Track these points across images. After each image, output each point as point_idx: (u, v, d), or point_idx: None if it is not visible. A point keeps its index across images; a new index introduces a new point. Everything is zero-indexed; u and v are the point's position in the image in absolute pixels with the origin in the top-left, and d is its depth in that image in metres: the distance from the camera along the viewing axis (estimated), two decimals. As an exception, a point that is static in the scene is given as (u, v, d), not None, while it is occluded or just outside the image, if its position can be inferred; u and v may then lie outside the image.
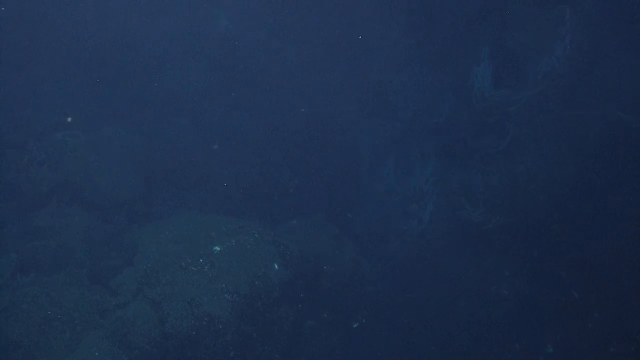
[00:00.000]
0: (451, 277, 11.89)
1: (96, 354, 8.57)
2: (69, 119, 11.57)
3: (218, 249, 9.46)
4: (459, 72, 13.41)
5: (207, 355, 8.92)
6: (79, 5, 14.14)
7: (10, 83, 12.88)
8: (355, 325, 10.65)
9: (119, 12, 14.32)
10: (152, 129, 12.86)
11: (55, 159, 11.13)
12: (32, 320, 8.56)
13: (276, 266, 9.81)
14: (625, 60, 11.97)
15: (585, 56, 12.43)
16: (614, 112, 11.76)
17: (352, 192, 13.63)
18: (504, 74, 12.76)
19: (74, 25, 13.96)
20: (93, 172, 11.22)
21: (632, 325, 10.50)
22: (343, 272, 11.24)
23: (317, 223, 11.97)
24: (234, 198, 12.38)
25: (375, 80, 14.29)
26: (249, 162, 13.16)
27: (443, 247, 12.35)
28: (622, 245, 10.93)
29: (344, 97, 14.22)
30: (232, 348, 9.11)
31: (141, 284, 9.09)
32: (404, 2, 14.20)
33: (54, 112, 12.19)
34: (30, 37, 13.62)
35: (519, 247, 11.73)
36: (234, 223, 10.31)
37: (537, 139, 12.32)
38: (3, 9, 13.13)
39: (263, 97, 14.11)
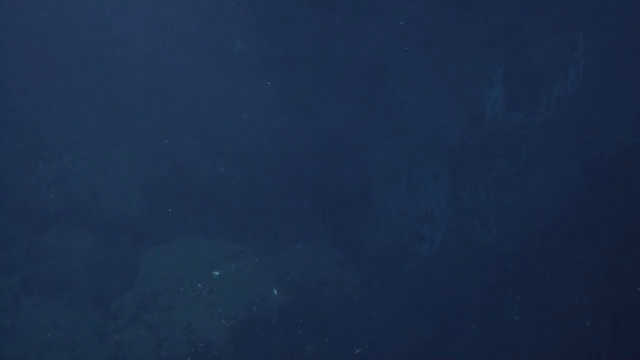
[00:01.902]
0: (463, 301, 11.78)
1: (92, 378, 8.63)
2: None
3: (217, 273, 9.50)
4: (472, 94, 13.36)
5: (202, 382, 8.92)
6: (93, 28, 14.36)
7: (22, 105, 13.14)
8: (357, 351, 10.59)
9: (133, 34, 14.52)
10: (161, 151, 12.99)
11: (63, 181, 11.27)
12: (31, 342, 8.66)
13: (275, 292, 9.81)
14: (640, 84, 11.83)
15: (599, 80, 12.33)
16: (628, 137, 11.62)
17: (363, 215, 13.61)
18: (517, 97, 12.70)
19: (88, 48, 14.18)
20: (100, 195, 11.36)
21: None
22: (346, 298, 11.19)
23: (322, 247, 11.94)
24: (241, 221, 12.42)
25: (387, 102, 14.30)
26: (258, 184, 13.20)
27: (455, 270, 12.26)
28: (638, 273, 10.74)
29: (356, 119, 14.23)
30: (227, 374, 9.10)
31: (139, 308, 9.16)
32: (416, 24, 14.22)
33: (65, 134, 12.37)
34: (43, 60, 13.86)
35: (531, 272, 11.60)
36: (235, 247, 10.34)
37: (550, 162, 12.23)
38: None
39: (274, 119, 14.17)
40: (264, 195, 13.01)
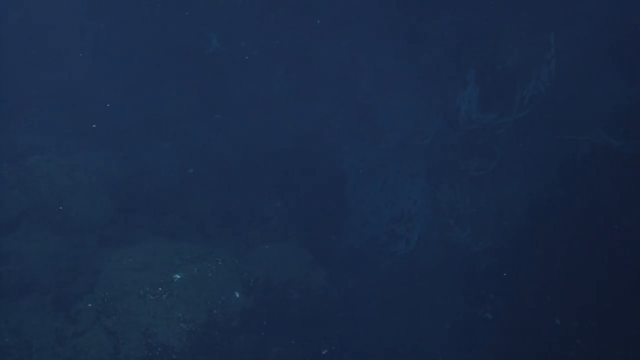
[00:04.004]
0: (437, 299, 11.82)
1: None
2: None
3: (178, 276, 9.43)
4: (446, 95, 13.38)
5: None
6: (61, 28, 14.26)
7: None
8: (324, 352, 10.58)
9: (106, 34, 14.45)
10: (131, 153, 12.92)
11: (27, 183, 11.18)
12: (-12, 347, 8.58)
13: (237, 294, 9.75)
14: (612, 84, 11.86)
15: (571, 80, 12.35)
16: (601, 136, 11.65)
17: (337, 214, 13.61)
18: (491, 97, 12.71)
19: (59, 48, 14.09)
20: (65, 197, 11.27)
21: (615, 353, 10.35)
22: (313, 300, 11.16)
23: (290, 248, 11.91)
24: (210, 223, 12.39)
25: (361, 103, 14.30)
26: (229, 185, 13.16)
27: (430, 269, 12.29)
28: (607, 271, 10.78)
29: (330, 120, 14.23)
30: (185, 378, 9.03)
31: (98, 312, 9.08)
32: (391, 26, 14.22)
33: (30, 136, 12.28)
34: (9, 61, 13.76)
35: (504, 271, 11.65)
36: (199, 250, 10.27)
37: (524, 162, 12.25)
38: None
39: (248, 120, 14.15)
40: (235, 197, 12.99)
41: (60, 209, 10.81)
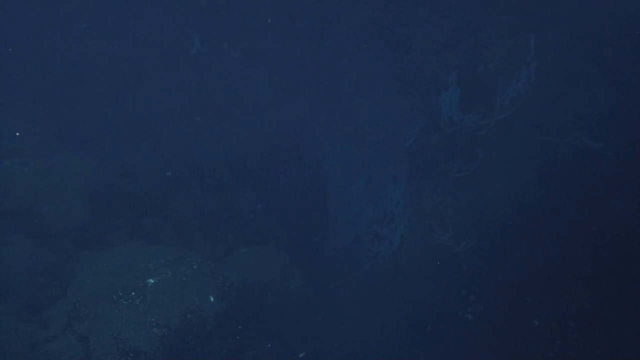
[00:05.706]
0: (419, 301, 11.83)
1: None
2: None
3: (152, 281, 9.37)
4: (428, 96, 13.38)
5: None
6: (45, 28, 14.16)
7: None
8: (301, 355, 10.56)
9: (88, 34, 14.36)
10: (111, 155, 12.84)
11: (1, 186, 11.08)
12: (-42, 354, 8.51)
13: (212, 298, 9.70)
14: (592, 87, 11.88)
15: (551, 82, 12.36)
16: (581, 138, 11.68)
17: (320, 217, 13.60)
18: (472, 98, 12.72)
19: (40, 48, 14.00)
20: (42, 200, 11.17)
21: (593, 353, 10.38)
22: (290, 303, 11.13)
23: (270, 251, 11.87)
24: (189, 226, 12.33)
25: (344, 105, 14.28)
26: (210, 188, 13.11)
27: (412, 271, 12.30)
28: (587, 273, 10.81)
29: (312, 122, 14.20)
30: (158, 384, 8.97)
31: (70, 317, 9.01)
32: (373, 28, 14.20)
33: (7, 139, 12.16)
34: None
35: (485, 272, 11.66)
36: (175, 253, 10.21)
37: (506, 163, 12.26)
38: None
39: (230, 122, 14.10)
40: (215, 199, 12.94)
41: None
